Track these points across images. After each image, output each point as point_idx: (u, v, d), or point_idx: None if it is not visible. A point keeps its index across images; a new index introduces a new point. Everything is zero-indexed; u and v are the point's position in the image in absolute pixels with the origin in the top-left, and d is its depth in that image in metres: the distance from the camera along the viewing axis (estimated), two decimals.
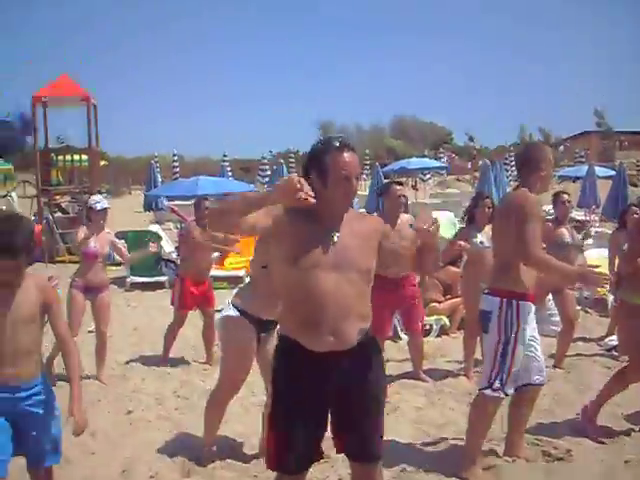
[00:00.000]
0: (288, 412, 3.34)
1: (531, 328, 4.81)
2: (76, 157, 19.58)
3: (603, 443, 5.35)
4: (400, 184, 7.48)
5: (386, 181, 8.48)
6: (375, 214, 7.16)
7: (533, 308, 4.83)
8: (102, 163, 25.99)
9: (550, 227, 7.63)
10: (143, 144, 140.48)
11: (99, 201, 7.45)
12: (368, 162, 37.62)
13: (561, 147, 37.43)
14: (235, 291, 5.40)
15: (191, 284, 8.20)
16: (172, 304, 8.46)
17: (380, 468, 3.55)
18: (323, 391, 3.32)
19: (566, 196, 7.91)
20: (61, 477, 4.83)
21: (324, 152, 3.25)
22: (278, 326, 3.57)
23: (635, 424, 5.72)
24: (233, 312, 4.93)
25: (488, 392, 4.72)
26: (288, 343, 3.35)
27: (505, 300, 4.72)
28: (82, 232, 7.33)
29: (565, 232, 7.84)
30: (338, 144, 3.25)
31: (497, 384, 4.68)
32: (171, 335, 8.41)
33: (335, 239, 3.25)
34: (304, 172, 3.34)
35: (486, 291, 4.95)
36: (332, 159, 3.22)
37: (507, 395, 4.76)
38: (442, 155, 44.32)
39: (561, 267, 4.78)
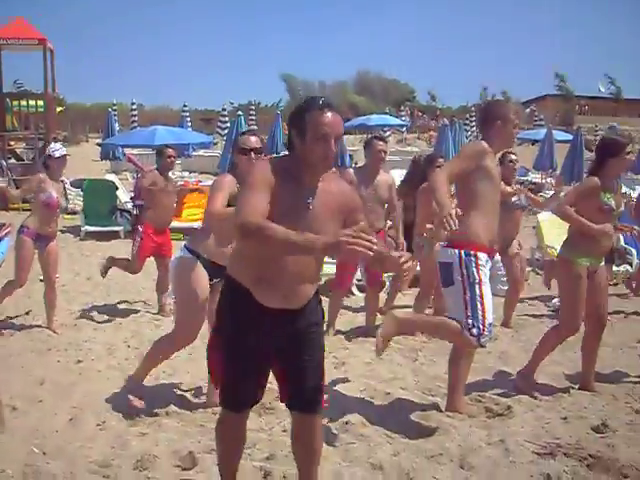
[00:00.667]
0: (233, 353, 3.41)
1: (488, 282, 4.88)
2: (32, 102, 19.22)
3: (536, 399, 5.51)
4: (383, 140, 7.56)
5: (370, 135, 8.56)
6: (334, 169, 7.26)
7: (489, 263, 4.93)
8: (59, 109, 25.49)
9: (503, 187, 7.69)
10: (102, 91, 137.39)
11: (58, 148, 7.30)
12: None
13: (527, 109, 37.61)
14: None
15: (153, 232, 8.20)
16: (132, 250, 8.40)
17: (320, 421, 3.64)
18: (267, 340, 3.37)
19: (513, 156, 7.95)
20: (7, 425, 4.86)
21: (305, 110, 3.21)
22: (227, 271, 3.54)
23: (574, 383, 5.89)
24: (185, 253, 4.99)
25: (465, 333, 4.74)
26: (240, 289, 3.35)
27: (464, 251, 4.81)
28: (38, 180, 7.20)
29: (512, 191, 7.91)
30: (321, 103, 3.22)
31: (475, 331, 4.71)
32: (122, 265, 8.54)
33: (310, 207, 3.23)
34: (289, 127, 3.32)
35: (444, 244, 5.04)
36: (312, 117, 3.18)
37: (481, 346, 4.86)
38: (403, 113, 44.24)
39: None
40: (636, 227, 6.47)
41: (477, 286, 4.75)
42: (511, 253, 7.95)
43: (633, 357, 6.87)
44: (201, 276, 4.98)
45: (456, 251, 4.84)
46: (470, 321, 4.72)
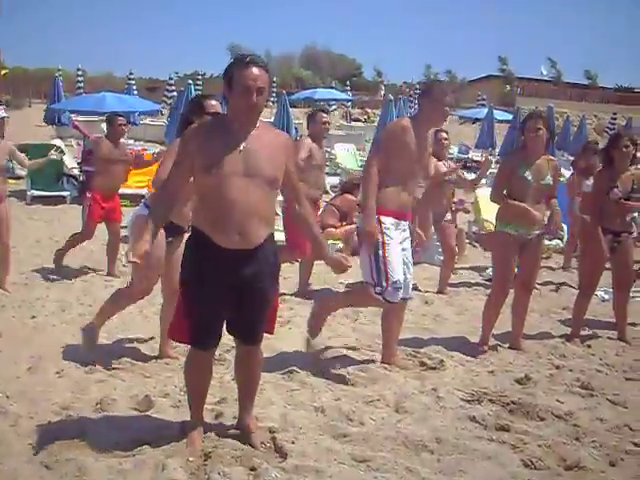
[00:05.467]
0: (201, 295, 3.80)
1: (398, 243, 5.31)
2: None
3: (474, 357, 5.98)
4: (326, 112, 8.01)
5: (315, 108, 8.98)
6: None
7: (402, 224, 5.36)
8: (3, 72, 25.12)
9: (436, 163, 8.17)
10: (44, 56, 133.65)
11: None
12: (275, 90, 37.54)
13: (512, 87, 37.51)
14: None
15: (101, 199, 8.38)
16: (82, 217, 8.59)
17: (260, 350, 4.18)
18: (229, 281, 3.78)
19: (444, 134, 8.37)
20: None
21: (233, 66, 3.65)
22: (190, 224, 3.99)
23: (503, 342, 6.37)
24: (145, 210, 5.22)
25: (371, 292, 5.28)
26: (201, 237, 3.76)
27: None
28: None
29: (443, 167, 8.37)
30: (248, 60, 3.64)
31: (378, 289, 5.23)
32: (74, 242, 8.60)
33: (242, 148, 3.67)
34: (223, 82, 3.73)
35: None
36: (238, 72, 3.61)
37: (389, 302, 5.30)
38: (348, 88, 44.59)
39: (365, 192, 5.35)
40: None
41: (380, 248, 5.20)
42: (445, 224, 8.45)
43: (558, 322, 7.38)
44: (159, 234, 5.22)
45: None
46: (374, 280, 5.23)
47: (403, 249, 5.39)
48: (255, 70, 3.61)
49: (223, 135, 3.68)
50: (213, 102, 5.20)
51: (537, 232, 6.05)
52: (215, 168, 3.61)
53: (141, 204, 5.46)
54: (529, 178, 5.87)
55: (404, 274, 5.37)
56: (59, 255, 8.58)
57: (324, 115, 7.79)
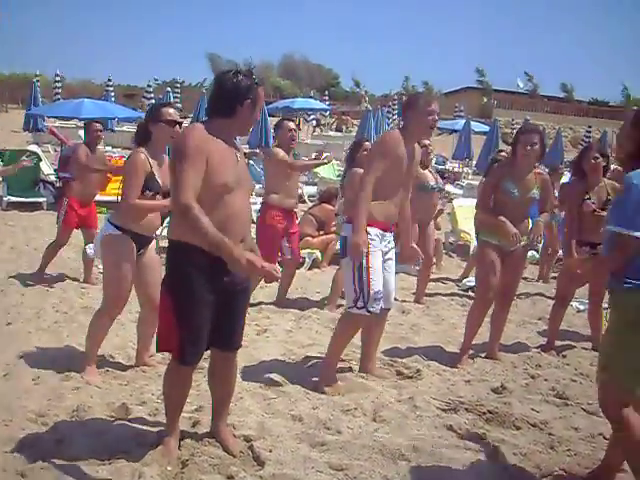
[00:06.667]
0: (195, 307, 3.80)
1: (381, 254, 5.27)
2: None
3: (455, 367, 6.00)
4: (292, 121, 8.02)
5: (280, 117, 8.96)
6: (258, 150, 7.63)
7: (387, 236, 5.35)
8: None
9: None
10: (20, 61, 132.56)
11: None
12: None
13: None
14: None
15: (77, 205, 8.32)
16: (57, 223, 8.53)
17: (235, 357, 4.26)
18: (221, 287, 3.82)
19: (427, 141, 8.33)
20: None
21: (257, 85, 3.87)
22: (170, 236, 3.89)
23: (479, 352, 6.40)
24: (112, 229, 5.21)
25: (354, 310, 5.23)
26: (189, 249, 3.72)
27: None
28: None
29: (429, 175, 8.42)
30: (260, 80, 3.98)
31: (360, 303, 5.18)
32: (51, 252, 8.52)
33: (238, 159, 3.86)
34: (236, 96, 3.79)
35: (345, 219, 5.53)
36: (260, 92, 3.89)
37: (371, 313, 5.23)
38: (327, 98, 44.70)
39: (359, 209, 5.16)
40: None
41: (364, 257, 5.15)
42: (427, 233, 8.45)
43: (533, 332, 7.44)
44: (128, 252, 5.20)
45: (349, 226, 5.27)
46: (356, 292, 5.17)
47: (387, 259, 5.38)
48: None
49: (221, 146, 3.76)
50: (171, 110, 5.24)
51: (521, 244, 6.04)
52: (225, 179, 3.71)
53: (105, 222, 5.38)
54: (513, 191, 5.90)
55: (388, 284, 5.39)
56: (40, 270, 8.50)
57: (290, 123, 7.81)
